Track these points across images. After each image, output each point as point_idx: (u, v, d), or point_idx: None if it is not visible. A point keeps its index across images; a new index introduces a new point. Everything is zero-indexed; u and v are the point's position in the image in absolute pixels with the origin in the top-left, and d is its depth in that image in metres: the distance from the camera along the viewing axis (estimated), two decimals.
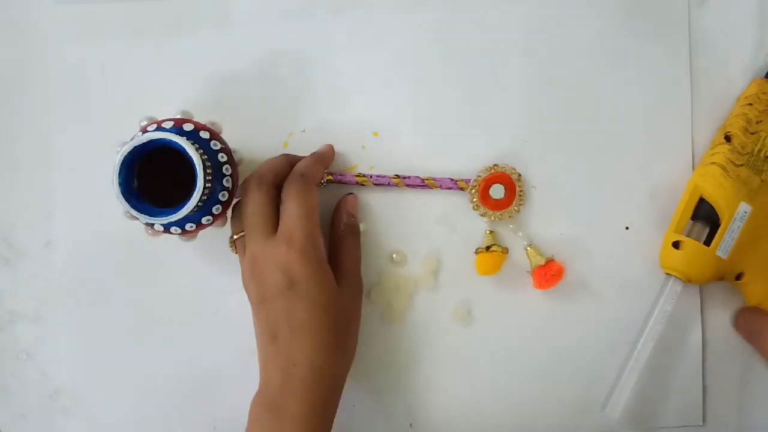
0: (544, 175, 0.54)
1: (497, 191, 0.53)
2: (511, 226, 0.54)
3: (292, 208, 0.47)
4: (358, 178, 0.52)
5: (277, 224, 0.47)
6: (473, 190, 0.53)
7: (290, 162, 0.51)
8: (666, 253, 0.52)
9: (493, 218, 0.53)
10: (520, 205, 0.53)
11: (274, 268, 0.46)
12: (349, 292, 0.50)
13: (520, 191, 0.53)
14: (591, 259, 0.54)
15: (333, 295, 0.48)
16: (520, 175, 0.53)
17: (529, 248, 0.53)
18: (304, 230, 0.46)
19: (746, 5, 0.55)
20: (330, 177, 0.52)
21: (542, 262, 0.53)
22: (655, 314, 0.52)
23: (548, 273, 0.52)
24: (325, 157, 0.52)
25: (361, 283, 0.52)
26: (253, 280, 0.48)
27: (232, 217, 0.50)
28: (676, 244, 0.51)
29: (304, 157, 0.52)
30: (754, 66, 0.55)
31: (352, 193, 0.53)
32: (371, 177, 0.53)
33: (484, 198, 0.53)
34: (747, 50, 0.55)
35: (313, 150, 0.53)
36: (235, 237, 0.49)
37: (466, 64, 0.55)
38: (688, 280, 0.51)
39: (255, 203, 0.48)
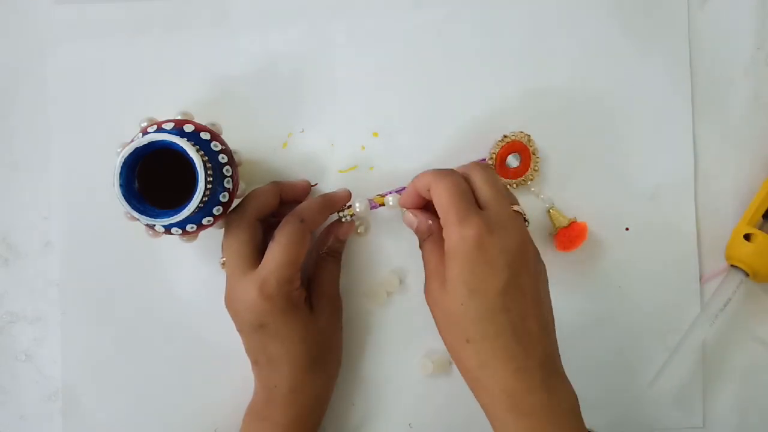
0: (545, 174, 0.54)
1: (513, 160, 0.53)
2: (533, 189, 0.54)
3: (276, 252, 0.46)
4: (378, 200, 0.51)
5: (257, 258, 0.47)
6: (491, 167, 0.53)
7: (279, 191, 0.50)
8: (735, 244, 0.52)
9: (516, 186, 0.53)
10: (537, 163, 0.53)
11: (245, 308, 0.47)
12: (325, 316, 0.51)
13: (534, 152, 0.53)
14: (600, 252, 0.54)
15: (306, 326, 0.49)
16: (529, 136, 0.53)
17: (551, 210, 0.54)
18: (279, 278, 0.46)
19: (746, 5, 0.55)
20: (353, 213, 0.51)
21: (565, 224, 0.53)
22: (713, 301, 0.52)
23: (571, 234, 0.52)
24: (335, 203, 0.51)
25: (339, 304, 0.52)
26: (230, 310, 0.49)
27: (222, 242, 0.49)
28: (747, 237, 0.52)
29: (294, 185, 0.52)
30: (754, 66, 0.55)
31: (353, 218, 0.51)
32: (390, 194, 0.51)
33: (503, 170, 0.53)
34: (747, 50, 0.55)
35: (313, 151, 0.54)
36: (221, 262, 0.49)
37: (465, 63, 0.54)
38: (753, 274, 0.52)
39: (235, 239, 0.48)
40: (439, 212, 0.44)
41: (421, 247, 0.48)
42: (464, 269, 0.42)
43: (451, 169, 0.47)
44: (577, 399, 0.44)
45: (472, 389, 0.45)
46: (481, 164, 0.48)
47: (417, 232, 0.48)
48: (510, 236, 0.43)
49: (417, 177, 0.47)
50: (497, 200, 0.44)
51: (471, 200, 0.44)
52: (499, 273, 0.42)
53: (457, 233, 0.43)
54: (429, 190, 0.45)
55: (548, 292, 0.46)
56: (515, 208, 0.45)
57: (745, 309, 0.55)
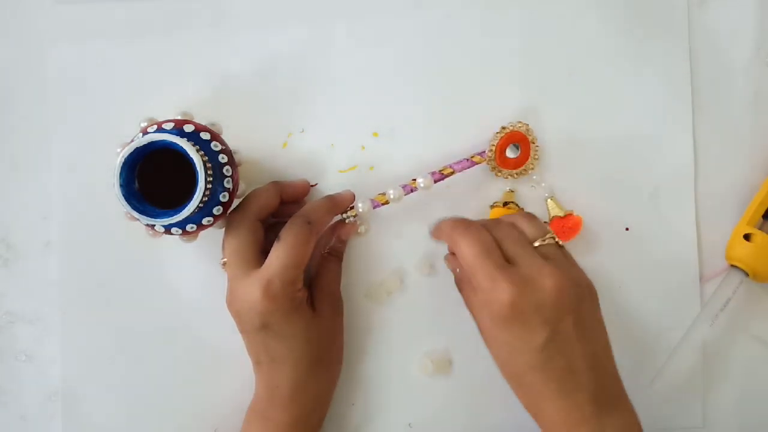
0: (544, 174, 0.54)
1: (513, 150, 0.53)
2: (534, 176, 0.54)
3: (282, 252, 0.46)
4: (380, 199, 0.51)
5: (259, 257, 0.47)
6: (490, 159, 0.53)
7: (279, 192, 0.50)
8: (734, 244, 0.52)
9: (516, 176, 0.53)
10: (537, 151, 0.53)
11: (248, 308, 0.47)
12: (327, 316, 0.51)
13: (533, 141, 0.53)
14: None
15: (309, 326, 0.48)
16: (527, 125, 0.53)
17: (550, 200, 0.54)
18: (284, 280, 0.46)
19: (746, 5, 0.55)
20: (355, 213, 0.51)
21: (561, 214, 0.53)
22: (713, 301, 0.53)
23: (566, 225, 0.53)
24: (341, 204, 0.51)
25: (340, 303, 0.52)
26: (232, 310, 0.48)
27: (222, 242, 0.49)
28: (747, 237, 0.52)
29: (293, 185, 0.52)
30: (754, 66, 0.55)
31: (356, 217, 0.51)
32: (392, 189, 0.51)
33: (503, 161, 0.53)
34: (747, 50, 0.55)
35: (313, 151, 0.54)
36: (221, 262, 0.49)
37: (465, 63, 0.54)
38: (753, 274, 0.52)
39: (236, 239, 0.48)
40: (467, 270, 0.45)
41: (458, 286, 0.50)
42: (502, 332, 0.43)
43: (471, 222, 0.47)
44: (637, 424, 0.44)
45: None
46: (499, 219, 0.48)
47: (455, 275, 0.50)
48: (543, 288, 0.42)
49: (438, 227, 0.49)
50: (524, 251, 0.44)
51: (497, 257, 0.44)
52: (538, 330, 0.42)
53: (490, 298, 0.43)
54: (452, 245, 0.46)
55: (599, 318, 0.45)
56: (537, 243, 0.45)
57: (745, 309, 0.55)
